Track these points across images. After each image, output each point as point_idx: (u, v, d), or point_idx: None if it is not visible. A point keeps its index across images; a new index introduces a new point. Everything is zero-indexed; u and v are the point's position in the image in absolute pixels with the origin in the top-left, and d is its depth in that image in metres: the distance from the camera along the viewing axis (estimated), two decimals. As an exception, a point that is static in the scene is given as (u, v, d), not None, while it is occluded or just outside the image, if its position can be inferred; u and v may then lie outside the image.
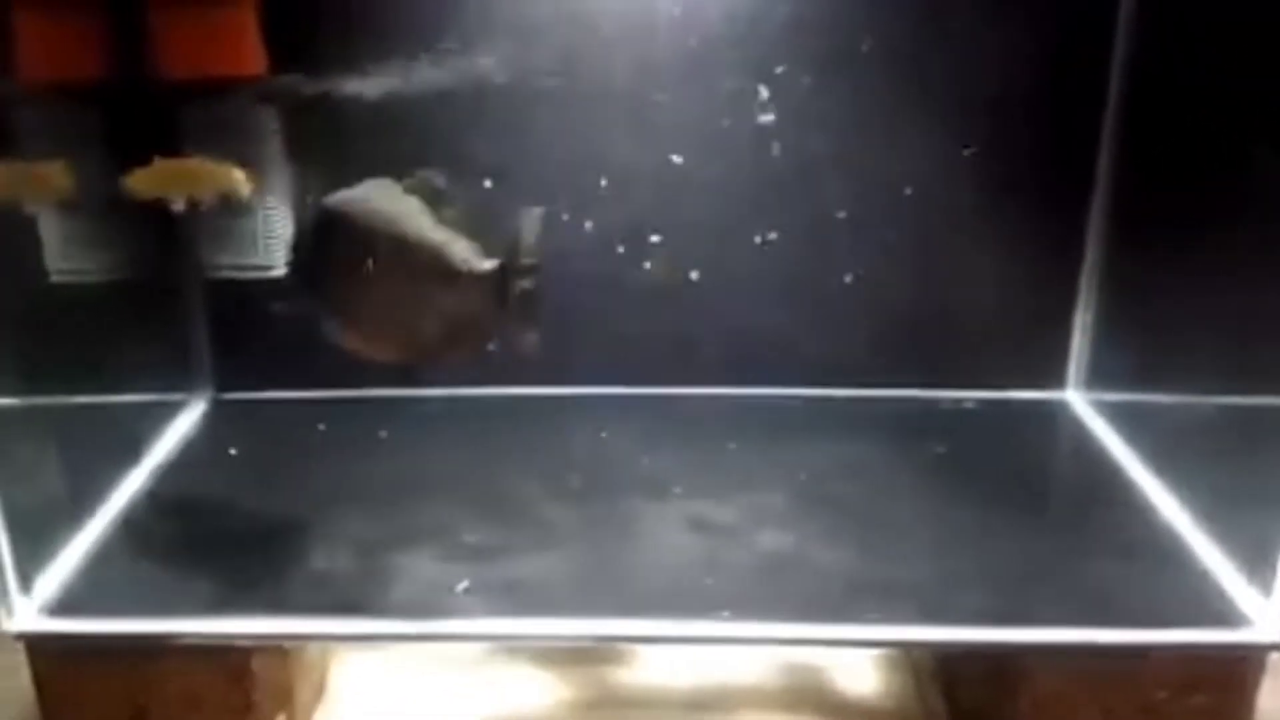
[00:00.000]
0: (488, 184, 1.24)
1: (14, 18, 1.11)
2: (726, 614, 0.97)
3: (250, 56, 1.23)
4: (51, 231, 1.22)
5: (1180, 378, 1.16)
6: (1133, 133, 1.25)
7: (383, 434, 1.27)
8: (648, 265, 1.29)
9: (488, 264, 0.92)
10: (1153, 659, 0.95)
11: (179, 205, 1.20)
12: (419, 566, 1.04)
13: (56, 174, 1.17)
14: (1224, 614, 0.97)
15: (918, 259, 1.29)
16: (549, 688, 1.12)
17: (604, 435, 1.28)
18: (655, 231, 1.29)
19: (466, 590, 1.01)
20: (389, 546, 1.06)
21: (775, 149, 1.26)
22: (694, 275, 1.30)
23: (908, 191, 1.27)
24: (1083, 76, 1.24)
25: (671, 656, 1.15)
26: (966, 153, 1.25)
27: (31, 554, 1.00)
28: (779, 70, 1.23)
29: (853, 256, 1.30)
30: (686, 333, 1.32)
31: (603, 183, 1.27)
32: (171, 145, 1.26)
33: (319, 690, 1.12)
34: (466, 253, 0.92)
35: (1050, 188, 1.28)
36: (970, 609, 0.98)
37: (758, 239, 1.29)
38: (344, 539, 1.08)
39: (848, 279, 1.30)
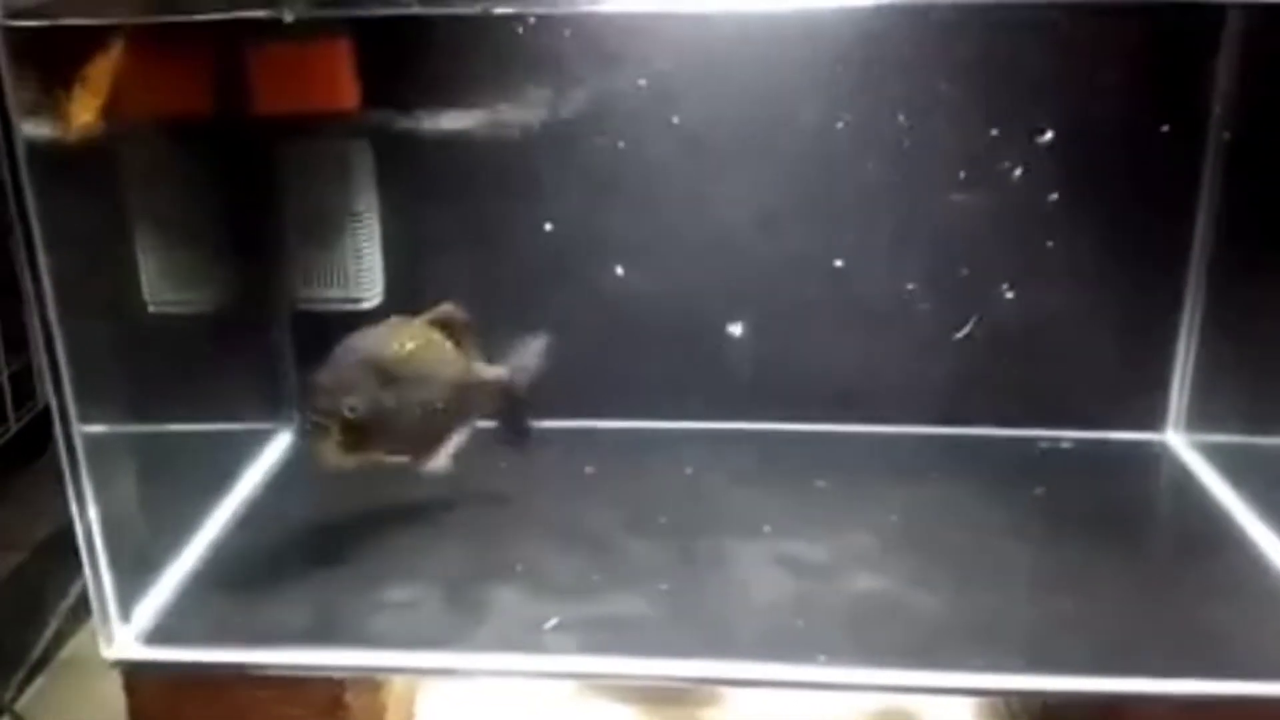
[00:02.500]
0: (548, 227, 1.26)
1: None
2: (821, 658, 0.96)
3: (343, 91, 1.25)
4: (151, 262, 1.24)
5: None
6: (1235, 161, 1.21)
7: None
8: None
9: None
10: (1258, 710, 0.92)
11: None
12: (507, 601, 1.04)
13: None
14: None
15: (1014, 296, 1.26)
16: (635, 727, 1.11)
17: (689, 471, 1.27)
18: (738, 266, 1.28)
19: (555, 627, 1.00)
20: (476, 580, 1.06)
21: (871, 190, 1.24)
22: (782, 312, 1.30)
23: (1002, 229, 1.25)
24: (1183, 106, 1.21)
25: (763, 700, 1.13)
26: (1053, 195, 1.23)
27: (129, 582, 1.01)
28: (870, 111, 1.22)
29: (948, 294, 1.28)
30: (774, 368, 1.31)
31: (685, 226, 1.27)
32: (265, 178, 1.29)
33: (406, 721, 1.12)
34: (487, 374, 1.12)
35: (1149, 220, 1.25)
36: (1074, 656, 0.95)
37: (839, 264, 1.27)
38: (432, 571, 1.08)
39: (942, 317, 1.28)
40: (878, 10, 1.16)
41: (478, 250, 1.29)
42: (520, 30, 1.19)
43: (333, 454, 1.01)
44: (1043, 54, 1.17)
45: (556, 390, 1.30)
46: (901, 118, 1.21)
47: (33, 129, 0.87)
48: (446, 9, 1.02)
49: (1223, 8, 1.18)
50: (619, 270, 1.28)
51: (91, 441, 0.94)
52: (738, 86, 1.21)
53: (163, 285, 1.23)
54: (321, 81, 1.25)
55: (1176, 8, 1.17)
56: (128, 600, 1.00)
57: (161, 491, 1.11)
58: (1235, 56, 1.19)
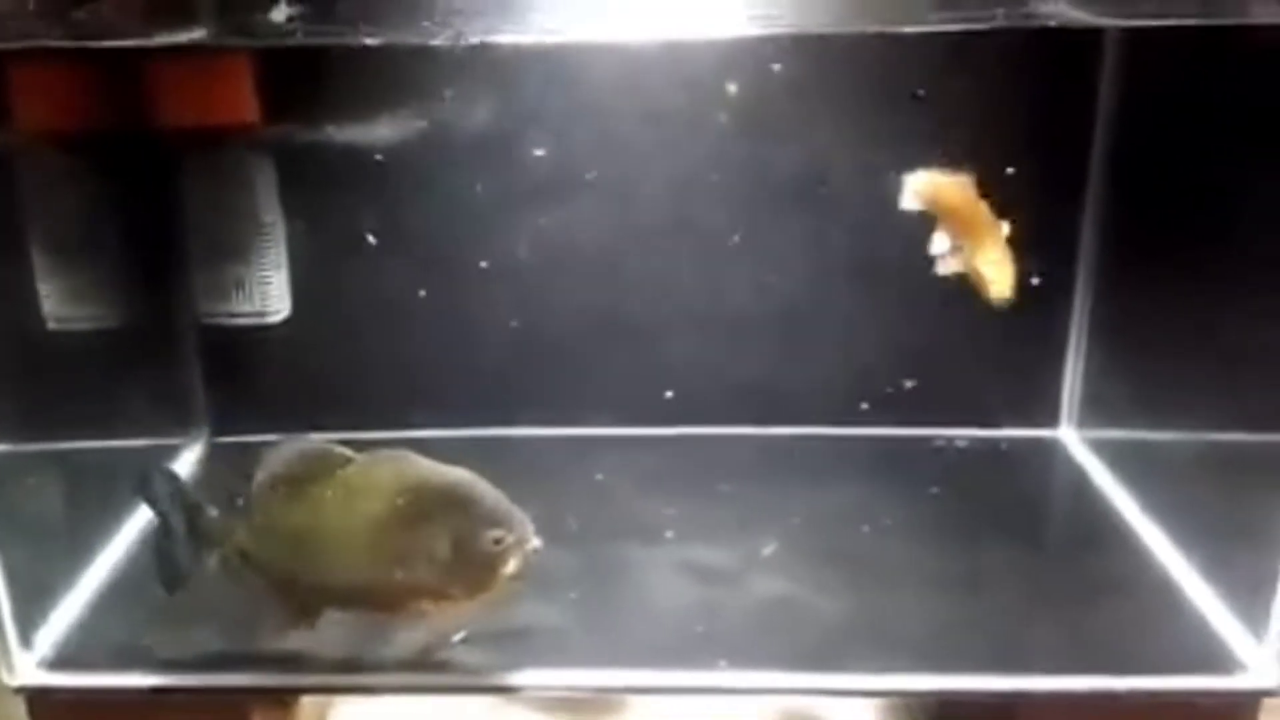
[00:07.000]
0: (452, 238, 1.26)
1: (12, 68, 1.12)
2: (723, 663, 0.98)
3: (244, 105, 1.24)
4: (50, 278, 1.22)
5: (1176, 415, 1.15)
6: (1122, 165, 1.25)
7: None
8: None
9: None
10: (1147, 705, 0.95)
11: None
12: (416, 615, 1.04)
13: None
14: (1219, 659, 0.98)
15: (906, 295, 1.27)
16: (546, 735, 1.12)
17: (599, 477, 1.28)
18: (643, 272, 1.30)
19: (464, 640, 1.01)
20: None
21: (775, 189, 1.26)
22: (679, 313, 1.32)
23: (895, 226, 1.27)
24: (1072, 103, 1.24)
25: (667, 706, 1.15)
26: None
27: (31, 605, 1.00)
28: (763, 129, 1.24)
29: (842, 293, 1.30)
30: (673, 373, 1.32)
31: (592, 233, 1.28)
32: (168, 192, 1.27)
33: (318, 738, 1.12)
34: None
35: (1040, 220, 1.25)
36: (967, 655, 0.98)
37: (741, 270, 1.30)
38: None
39: (836, 316, 1.31)
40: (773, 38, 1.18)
41: (385, 262, 1.29)
42: (424, 50, 1.19)
43: None
44: (927, 67, 1.20)
45: (466, 398, 1.32)
46: (795, 130, 1.24)
47: None
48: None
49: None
50: (525, 278, 1.29)
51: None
52: (638, 109, 1.22)
53: (62, 302, 1.21)
54: (222, 94, 1.24)
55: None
56: (29, 626, 0.99)
57: (65, 511, 1.10)
58: (1117, 62, 1.22)
